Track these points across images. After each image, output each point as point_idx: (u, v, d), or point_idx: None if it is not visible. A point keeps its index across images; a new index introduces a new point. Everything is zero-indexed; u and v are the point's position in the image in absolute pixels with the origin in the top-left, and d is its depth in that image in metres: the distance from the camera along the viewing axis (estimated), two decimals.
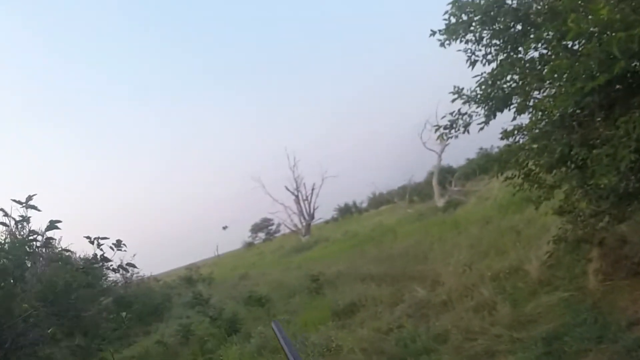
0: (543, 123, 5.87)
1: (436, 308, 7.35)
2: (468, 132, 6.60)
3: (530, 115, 6.09)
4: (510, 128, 6.38)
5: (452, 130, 6.61)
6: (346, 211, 51.52)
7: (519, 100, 5.89)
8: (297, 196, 38.98)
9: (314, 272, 12.83)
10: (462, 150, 40.42)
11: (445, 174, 27.86)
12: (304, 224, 38.61)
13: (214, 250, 49.80)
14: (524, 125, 6.23)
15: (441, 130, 6.58)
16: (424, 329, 6.43)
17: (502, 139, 6.81)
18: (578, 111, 5.49)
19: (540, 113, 5.75)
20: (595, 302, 5.33)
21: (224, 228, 23.26)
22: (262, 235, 57.51)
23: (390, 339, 6.40)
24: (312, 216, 39.13)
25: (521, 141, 6.73)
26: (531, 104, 5.92)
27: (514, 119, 6.28)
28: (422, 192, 33.04)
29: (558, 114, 5.40)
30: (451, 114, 6.48)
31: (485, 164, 28.37)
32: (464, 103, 6.25)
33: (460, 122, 6.51)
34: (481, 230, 11.95)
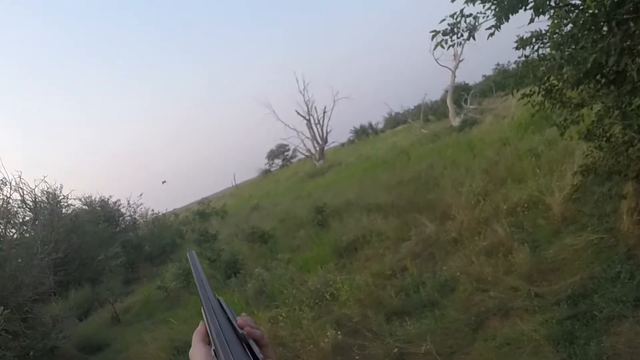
0: (569, 25, 4.75)
1: (445, 247, 6.60)
2: (473, 38, 5.40)
3: (551, 16, 4.93)
4: (527, 35, 5.25)
5: (454, 37, 5.40)
6: (362, 133, 50.48)
7: None
8: (308, 120, 37.77)
9: (320, 203, 12.19)
10: (478, 67, 38.48)
11: (461, 92, 26.30)
12: (318, 148, 37.70)
13: (232, 180, 49.64)
14: (543, 31, 5.09)
15: (439, 36, 5.38)
16: (429, 274, 5.71)
17: (517, 48, 5.69)
18: (617, 7, 4.32)
19: (565, 10, 4.60)
20: (630, 249, 4.44)
21: (163, 182, 22.63)
22: (278, 161, 56.97)
23: (390, 288, 5.70)
24: (325, 140, 38.12)
25: (541, 51, 5.62)
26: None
27: (531, 21, 5.12)
28: (438, 111, 31.70)
29: (588, 14, 4.25)
30: (452, 16, 5.26)
31: (502, 81, 26.76)
32: (466, 2, 5.02)
33: (463, 25, 5.31)
34: (497, 153, 10.96)
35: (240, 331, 0.70)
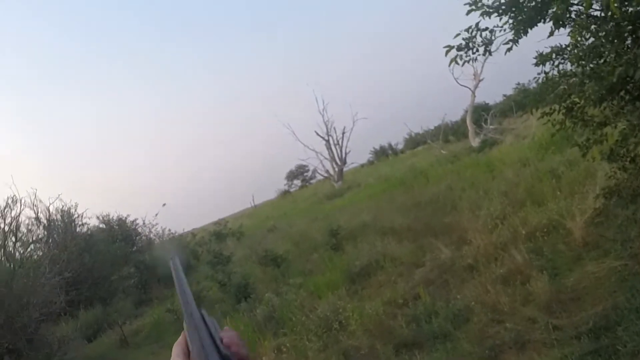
0: (590, 38, 4.50)
1: (460, 274, 6.30)
2: (490, 53, 5.15)
3: (572, 29, 4.69)
4: (547, 50, 5.01)
5: (469, 52, 5.14)
6: (382, 153, 50.22)
7: (557, 6, 4.43)
8: (327, 141, 37.64)
9: (334, 226, 11.97)
10: (498, 86, 38.12)
11: (481, 112, 25.92)
12: (337, 169, 37.51)
13: (250, 201, 49.64)
14: (564, 45, 4.85)
15: (454, 51, 5.12)
16: (442, 304, 5.41)
17: (536, 64, 5.44)
18: None
19: (586, 22, 4.36)
20: None
21: (164, 205, 22.69)
22: (297, 182, 56.91)
23: (401, 317, 5.41)
24: (344, 161, 37.90)
25: (561, 67, 5.37)
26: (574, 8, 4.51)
27: (551, 34, 4.87)
28: (458, 131, 31.34)
29: (612, 25, 4.00)
30: (466, 30, 5.00)
31: (523, 100, 26.36)
32: (482, 14, 4.77)
33: (479, 40, 5.05)
34: (517, 174, 10.61)
35: (223, 350, 0.63)
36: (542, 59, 5.20)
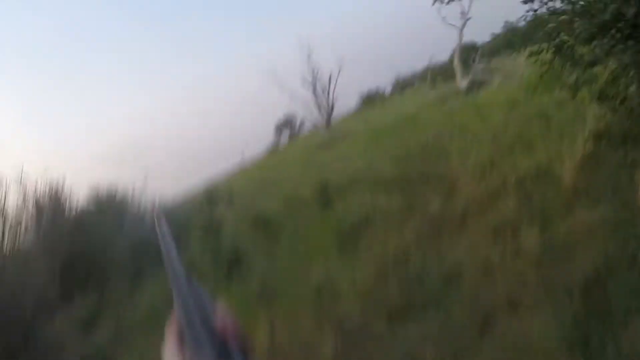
0: None
1: (451, 226, 6.16)
2: None
3: None
4: None
5: None
6: (369, 99, 49.57)
7: None
8: (314, 88, 36.97)
9: (323, 181, 11.84)
10: (486, 25, 37.13)
11: (469, 52, 25.32)
12: (325, 118, 37.04)
13: (241, 157, 49.26)
14: None
15: None
16: (434, 262, 5.30)
17: (525, 2, 5.17)
18: None
19: None
20: None
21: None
22: (286, 133, 56.42)
23: (394, 280, 5.30)
24: (332, 109, 37.40)
25: (550, 4, 5.09)
26: None
27: None
28: (446, 72, 30.81)
29: None
30: None
31: (512, 39, 25.81)
32: None
33: None
34: (505, 117, 10.39)
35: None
36: None
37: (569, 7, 4.71)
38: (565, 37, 4.84)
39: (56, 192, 13.08)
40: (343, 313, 5.07)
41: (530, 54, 5.21)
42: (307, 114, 37.83)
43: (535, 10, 5.26)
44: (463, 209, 6.35)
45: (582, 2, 4.51)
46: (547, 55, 5.16)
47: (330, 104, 37.38)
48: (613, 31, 4.29)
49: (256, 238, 10.32)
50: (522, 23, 6.35)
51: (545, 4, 5.15)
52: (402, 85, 44.51)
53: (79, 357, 8.38)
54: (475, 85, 20.27)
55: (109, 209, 18.31)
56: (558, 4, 5.04)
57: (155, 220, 0.86)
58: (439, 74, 33.08)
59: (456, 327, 4.05)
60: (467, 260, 4.92)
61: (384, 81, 48.63)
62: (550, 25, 5.04)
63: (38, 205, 12.22)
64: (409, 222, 7.15)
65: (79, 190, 20.88)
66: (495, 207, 5.77)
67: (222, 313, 0.61)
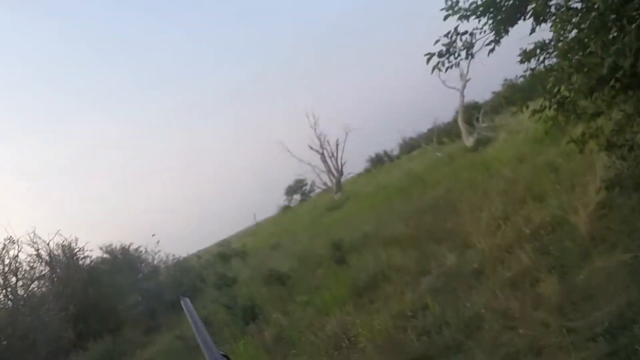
0: (573, 31, 4.43)
1: (467, 280, 6.17)
2: (472, 56, 5.08)
3: (553, 23, 4.62)
4: (530, 47, 4.95)
5: (451, 57, 5.06)
6: (378, 161, 50.14)
7: (536, 2, 4.36)
8: (322, 154, 37.66)
9: (337, 240, 11.88)
10: (486, 85, 38.18)
11: (472, 111, 25.88)
12: (334, 180, 37.47)
13: (252, 218, 49.42)
14: (547, 40, 4.79)
15: (435, 58, 5.03)
16: (452, 313, 5.28)
17: (521, 62, 5.39)
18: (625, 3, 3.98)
19: (568, 14, 4.29)
20: None
21: (153, 235, 22.82)
22: (297, 197, 56.73)
23: (411, 330, 5.28)
24: (340, 172, 37.89)
25: (547, 62, 5.30)
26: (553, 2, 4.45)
27: (533, 31, 4.80)
28: (451, 132, 31.32)
29: (595, 15, 3.93)
30: (446, 35, 4.92)
31: (512, 96, 26.39)
32: (460, 18, 4.69)
33: (460, 44, 4.97)
34: (514, 171, 10.54)
35: None
36: (526, 56, 5.16)
37: (565, 62, 4.90)
38: (566, 92, 5.03)
39: (70, 247, 13.31)
40: None
41: (533, 113, 5.39)
42: (317, 177, 38.43)
43: (533, 69, 5.47)
44: (479, 263, 6.37)
45: (577, 57, 4.70)
46: (550, 113, 5.34)
47: (339, 167, 38.01)
48: (612, 82, 4.47)
49: (271, 292, 10.28)
50: (520, 80, 6.58)
51: (542, 62, 5.36)
52: (409, 147, 45.04)
53: None
54: (481, 143, 20.56)
55: (123, 262, 18.39)
56: (553, 61, 5.27)
57: (182, 303, 0.90)
58: (445, 134, 33.62)
59: None
60: (487, 310, 4.90)
61: (390, 144, 49.36)
62: (550, 80, 5.22)
63: (52, 259, 12.42)
64: (425, 276, 7.18)
65: (92, 246, 21.10)
66: (512, 259, 5.79)
67: None
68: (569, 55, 4.55)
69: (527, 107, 5.34)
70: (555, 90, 4.95)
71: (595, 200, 5.84)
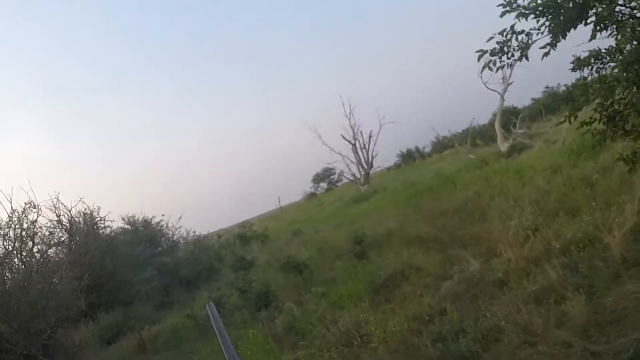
0: (633, 42, 4.19)
1: (489, 289, 6.01)
2: (526, 58, 4.82)
3: (620, 34, 4.37)
4: (585, 55, 4.71)
5: (504, 57, 4.80)
6: (408, 157, 49.71)
7: (600, 8, 4.10)
8: (354, 145, 37.54)
9: (359, 233, 11.77)
10: (527, 90, 37.35)
11: (510, 116, 25.31)
12: (363, 173, 37.29)
13: (276, 203, 49.71)
14: (604, 50, 4.55)
15: (487, 56, 4.78)
16: (470, 321, 5.14)
17: (574, 69, 5.13)
18: None
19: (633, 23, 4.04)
20: None
21: (162, 216, 23.26)
22: (324, 185, 56.72)
23: (427, 334, 5.16)
24: (370, 165, 37.70)
25: (601, 73, 5.04)
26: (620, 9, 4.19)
27: (593, 37, 4.53)
28: (486, 135, 30.75)
29: None
30: (501, 33, 4.67)
31: (552, 104, 25.68)
32: (517, 16, 4.44)
33: (514, 43, 4.71)
34: (548, 182, 10.22)
35: None
36: (579, 64, 4.91)
37: (623, 75, 4.65)
38: (618, 105, 4.79)
39: (91, 216, 13.50)
40: None
41: (582, 124, 5.14)
42: (346, 168, 38.32)
43: (586, 78, 5.21)
44: (503, 272, 6.18)
45: (635, 67, 4.45)
46: (599, 126, 5.10)
47: (370, 160, 37.79)
48: None
49: (287, 280, 10.27)
50: (562, 89, 6.30)
51: (597, 72, 5.10)
52: (442, 146, 44.45)
53: None
54: (516, 149, 20.09)
55: (143, 234, 18.66)
56: (608, 71, 4.99)
57: (206, 307, 1.00)
58: (479, 136, 33.05)
59: None
60: (507, 322, 4.75)
61: (423, 141, 48.84)
62: (600, 90, 4.96)
63: (72, 226, 12.61)
64: (446, 280, 7.03)
65: (115, 216, 21.43)
66: (538, 273, 5.60)
67: None
68: (629, 67, 4.31)
69: (576, 117, 5.11)
70: (608, 102, 4.71)
71: (632, 221, 5.58)
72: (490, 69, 4.93)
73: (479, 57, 4.84)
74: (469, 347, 4.59)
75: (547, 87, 32.87)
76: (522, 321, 4.61)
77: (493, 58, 4.84)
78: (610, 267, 5.12)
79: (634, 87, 4.59)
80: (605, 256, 5.39)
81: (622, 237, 5.40)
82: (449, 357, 4.61)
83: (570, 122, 5.25)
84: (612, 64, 4.65)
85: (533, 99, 33.78)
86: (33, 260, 8.84)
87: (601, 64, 4.75)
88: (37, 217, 10.24)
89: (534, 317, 4.56)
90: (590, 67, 5.03)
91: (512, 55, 4.80)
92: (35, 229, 9.77)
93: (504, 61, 4.90)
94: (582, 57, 4.78)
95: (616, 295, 4.50)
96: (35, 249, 9.46)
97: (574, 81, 5.31)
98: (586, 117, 5.25)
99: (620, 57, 4.39)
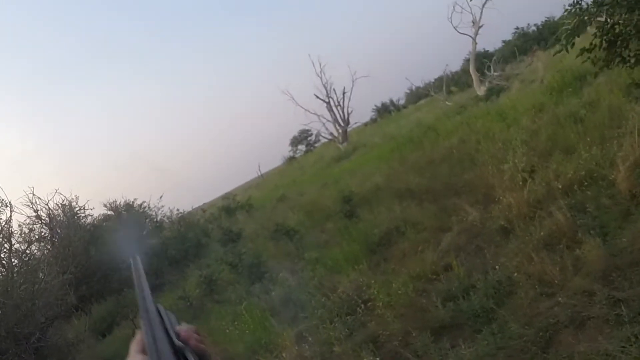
0: None
1: (493, 238, 5.74)
2: None
3: None
4: None
5: None
6: (384, 110, 49.36)
7: None
8: (328, 103, 36.89)
9: (346, 192, 11.47)
10: (496, 33, 36.92)
11: (482, 59, 24.91)
12: (340, 130, 36.82)
13: (257, 170, 49.13)
14: None
15: None
16: (479, 275, 4.87)
17: None
18: None
19: None
20: None
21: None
22: (302, 147, 56.18)
23: (435, 294, 4.89)
24: (347, 122, 37.20)
25: None
26: None
27: None
28: (460, 81, 30.40)
29: None
30: None
31: (524, 44, 25.55)
32: None
33: None
34: (534, 121, 9.94)
35: (177, 343, 0.64)
36: None
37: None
38: (621, 27, 4.44)
39: (70, 206, 12.91)
40: (379, 329, 4.66)
41: (582, 52, 4.80)
42: (323, 128, 37.79)
43: (579, 2, 4.88)
44: (506, 219, 5.89)
45: None
46: (600, 53, 4.77)
47: (345, 117, 37.25)
48: None
49: (278, 248, 9.95)
50: (532, 29, 5.97)
51: None
52: (417, 97, 44.07)
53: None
54: (493, 92, 19.83)
55: (127, 219, 18.09)
56: None
57: (131, 260, 0.88)
58: (453, 83, 32.70)
59: (514, 344, 3.62)
60: (519, 274, 4.48)
61: (398, 93, 48.45)
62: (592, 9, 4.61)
63: (51, 219, 12.04)
64: (445, 232, 6.76)
65: (95, 204, 20.76)
66: (544, 217, 5.33)
67: (187, 330, 0.67)
68: None
69: (573, 45, 4.74)
70: (609, 25, 4.35)
71: (635, 154, 5.31)
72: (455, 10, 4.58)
73: None
74: (482, 304, 4.32)
75: (517, 28, 32.51)
76: (536, 271, 4.34)
77: None
78: (619, 205, 4.86)
79: (636, 10, 4.22)
80: (612, 193, 5.13)
81: (627, 172, 5.12)
82: (461, 316, 4.35)
83: (567, 50, 4.90)
84: None
85: (504, 42, 33.44)
86: (13, 261, 8.34)
87: None
88: (11, 215, 9.70)
89: (548, 266, 4.28)
90: None
91: None
92: (11, 229, 9.24)
93: None
94: None
95: (631, 235, 4.24)
96: (14, 249, 8.94)
97: (543, 20, 4.96)
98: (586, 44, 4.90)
99: None
